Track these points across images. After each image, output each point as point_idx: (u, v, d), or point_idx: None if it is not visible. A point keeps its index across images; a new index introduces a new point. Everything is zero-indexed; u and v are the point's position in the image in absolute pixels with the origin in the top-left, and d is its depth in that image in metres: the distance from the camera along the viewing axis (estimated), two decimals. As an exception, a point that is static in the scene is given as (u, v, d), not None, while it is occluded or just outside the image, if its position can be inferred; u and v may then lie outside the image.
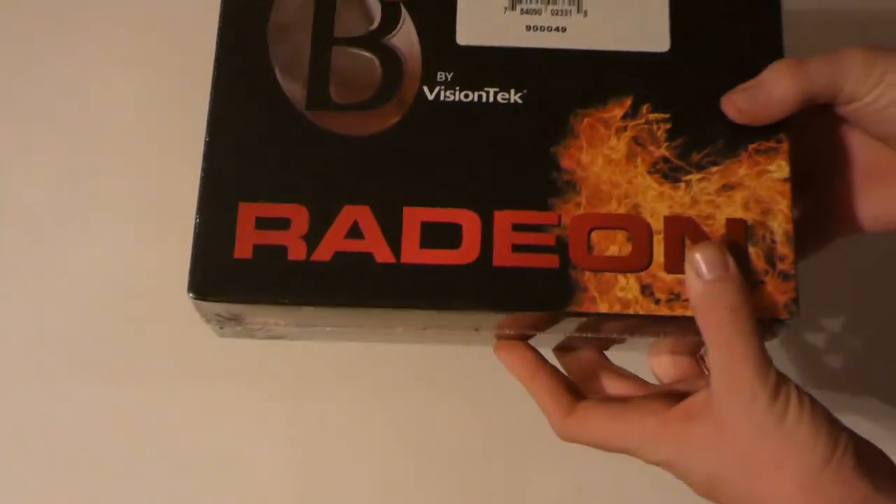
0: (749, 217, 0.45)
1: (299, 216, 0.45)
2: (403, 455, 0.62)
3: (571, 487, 0.61)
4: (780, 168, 0.45)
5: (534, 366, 0.46)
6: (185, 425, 0.62)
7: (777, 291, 0.44)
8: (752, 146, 0.45)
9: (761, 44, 0.47)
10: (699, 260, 0.42)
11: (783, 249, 0.44)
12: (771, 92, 0.45)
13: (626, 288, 0.44)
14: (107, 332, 0.65)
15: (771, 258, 0.44)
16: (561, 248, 0.44)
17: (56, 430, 0.63)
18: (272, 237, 0.44)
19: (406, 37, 0.47)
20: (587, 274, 0.44)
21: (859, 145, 0.48)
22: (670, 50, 0.47)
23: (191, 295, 0.44)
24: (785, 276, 0.44)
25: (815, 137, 0.48)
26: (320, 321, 0.46)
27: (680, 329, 0.45)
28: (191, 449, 0.62)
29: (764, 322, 0.43)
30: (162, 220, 0.66)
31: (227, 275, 0.44)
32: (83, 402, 0.63)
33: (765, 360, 0.41)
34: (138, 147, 0.70)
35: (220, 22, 0.48)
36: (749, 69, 0.46)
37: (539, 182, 0.45)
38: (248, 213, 0.45)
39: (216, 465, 0.62)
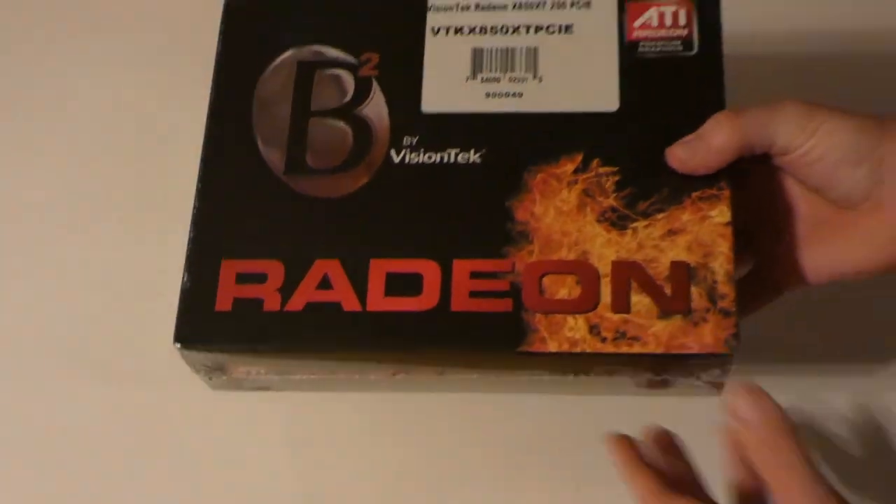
0: (692, 259, 0.47)
1: (275, 271, 0.49)
2: (404, 456, 0.61)
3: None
4: (721, 213, 0.48)
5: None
6: (185, 425, 0.62)
7: (718, 328, 0.46)
8: (695, 194, 0.48)
9: (704, 100, 0.50)
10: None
11: (724, 288, 0.47)
12: (710, 143, 0.48)
13: (575, 328, 0.47)
14: (107, 332, 0.64)
15: (712, 297, 0.47)
16: (514, 292, 0.47)
17: (56, 430, 0.62)
18: (250, 291, 0.49)
19: (376, 107, 0.52)
20: (538, 316, 0.47)
21: (799, 197, 0.50)
22: (619, 109, 0.51)
23: (176, 345, 0.48)
24: (725, 313, 0.46)
25: (758, 190, 0.51)
26: (297, 370, 0.50)
27: (631, 366, 0.47)
28: (191, 449, 0.62)
29: (705, 356, 0.46)
30: (162, 220, 0.65)
31: (208, 326, 0.48)
32: (83, 402, 0.63)
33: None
34: (138, 147, 0.70)
35: (211, 93, 0.53)
36: (692, 123, 0.49)
37: (495, 233, 0.49)
38: (229, 269, 0.49)
39: (216, 464, 0.61)
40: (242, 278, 0.49)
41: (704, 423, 0.46)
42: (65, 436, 0.62)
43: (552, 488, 0.59)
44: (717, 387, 0.50)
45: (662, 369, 0.48)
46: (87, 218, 0.68)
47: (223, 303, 0.49)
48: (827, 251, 0.49)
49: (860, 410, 0.59)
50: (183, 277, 0.49)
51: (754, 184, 0.51)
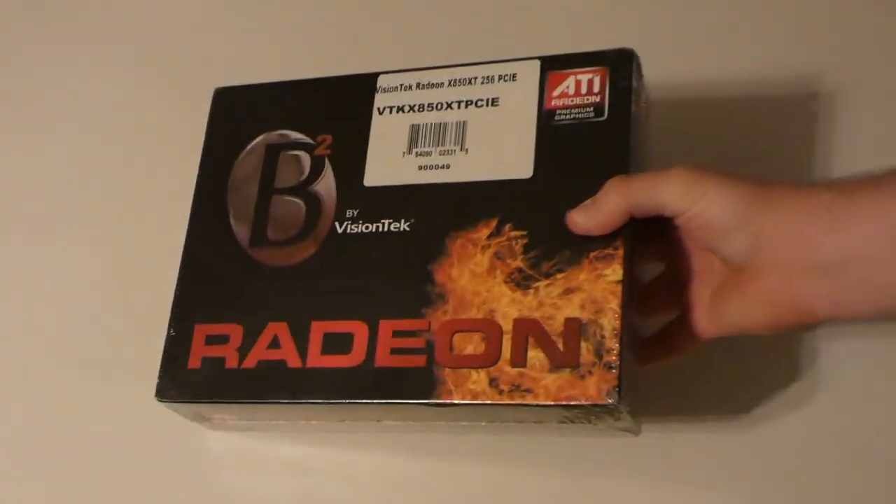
0: (584, 316, 0.52)
1: (236, 333, 0.57)
2: (404, 456, 0.62)
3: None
4: (614, 272, 0.52)
5: None
6: (185, 425, 0.62)
7: (602, 380, 0.50)
8: (593, 254, 0.53)
9: (609, 163, 0.54)
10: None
11: (610, 343, 0.51)
12: (601, 206, 0.52)
13: (477, 381, 0.52)
14: (107, 332, 0.66)
15: (599, 351, 0.51)
16: (429, 349, 0.53)
17: (56, 430, 0.63)
18: (215, 351, 0.57)
19: (327, 183, 0.59)
20: (447, 370, 0.53)
21: (699, 256, 0.53)
22: (532, 176, 0.55)
23: (157, 398, 0.57)
24: (609, 367, 0.50)
25: (674, 248, 0.54)
26: (259, 416, 0.58)
27: (531, 415, 0.52)
28: (191, 449, 0.63)
29: (587, 407, 0.50)
30: (162, 220, 0.66)
31: (181, 382, 0.57)
32: (83, 402, 0.64)
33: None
34: (139, 147, 0.71)
35: (198, 176, 0.61)
36: (597, 187, 0.53)
37: (417, 295, 0.55)
38: (201, 332, 0.58)
39: (216, 464, 0.62)
40: (210, 339, 0.57)
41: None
42: (64, 435, 0.63)
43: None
44: (629, 430, 0.54)
45: (564, 417, 0.52)
46: (86, 218, 0.69)
47: (194, 361, 0.57)
48: (727, 307, 0.52)
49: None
50: (165, 340, 0.58)
51: (672, 239, 0.54)
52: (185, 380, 0.57)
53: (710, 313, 0.53)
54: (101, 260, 0.69)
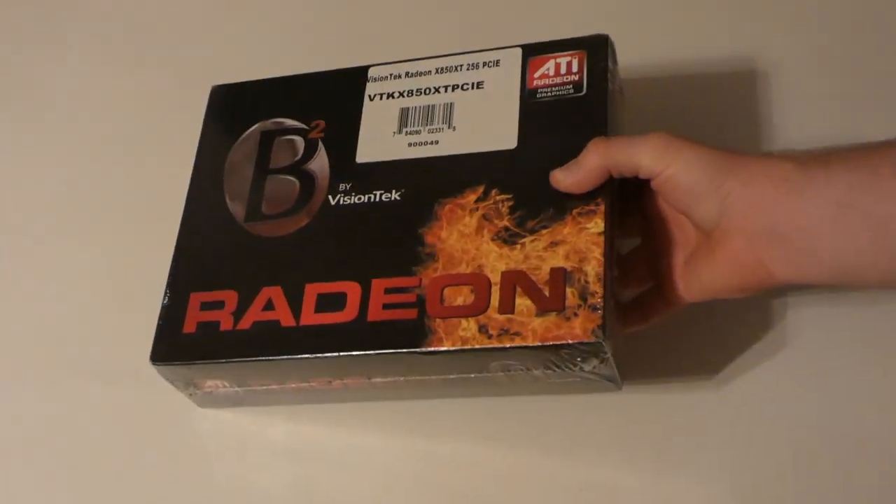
0: (568, 265, 0.54)
1: (230, 298, 0.59)
2: (403, 460, 0.62)
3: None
4: (596, 225, 0.55)
5: None
6: (186, 425, 0.63)
7: (587, 321, 0.53)
8: (575, 210, 0.56)
9: (589, 132, 0.57)
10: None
11: (594, 287, 0.53)
12: (582, 164, 0.55)
13: (467, 328, 0.54)
14: (106, 332, 0.66)
15: (584, 295, 0.53)
16: (420, 303, 0.55)
17: (56, 430, 0.63)
18: (210, 315, 0.59)
19: (320, 161, 0.62)
20: (437, 321, 0.55)
21: (674, 224, 0.57)
22: (517, 146, 0.59)
23: (151, 362, 0.58)
24: (593, 308, 0.53)
25: (653, 214, 0.58)
26: (253, 381, 0.59)
27: (519, 360, 0.54)
28: (191, 449, 0.63)
29: (574, 346, 0.52)
30: (162, 220, 0.67)
31: (176, 345, 0.58)
32: (83, 402, 0.64)
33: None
34: (139, 147, 0.72)
35: (195, 159, 0.64)
36: (578, 153, 0.57)
37: (407, 256, 0.57)
38: (196, 299, 0.59)
39: (217, 464, 0.62)
40: (205, 305, 0.59)
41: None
42: (64, 435, 0.63)
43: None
44: (613, 380, 0.56)
45: (550, 362, 0.54)
46: (86, 218, 0.70)
47: (189, 326, 0.59)
48: (699, 272, 0.55)
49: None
50: (160, 308, 0.60)
51: (649, 208, 0.57)
52: (180, 342, 0.58)
53: (684, 279, 0.56)
54: (101, 260, 0.69)
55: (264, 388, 0.60)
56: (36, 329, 0.68)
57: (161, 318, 0.60)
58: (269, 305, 0.58)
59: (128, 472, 0.63)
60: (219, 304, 0.59)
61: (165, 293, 0.60)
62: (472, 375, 0.56)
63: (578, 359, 0.54)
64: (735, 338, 0.60)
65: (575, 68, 0.60)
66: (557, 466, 0.59)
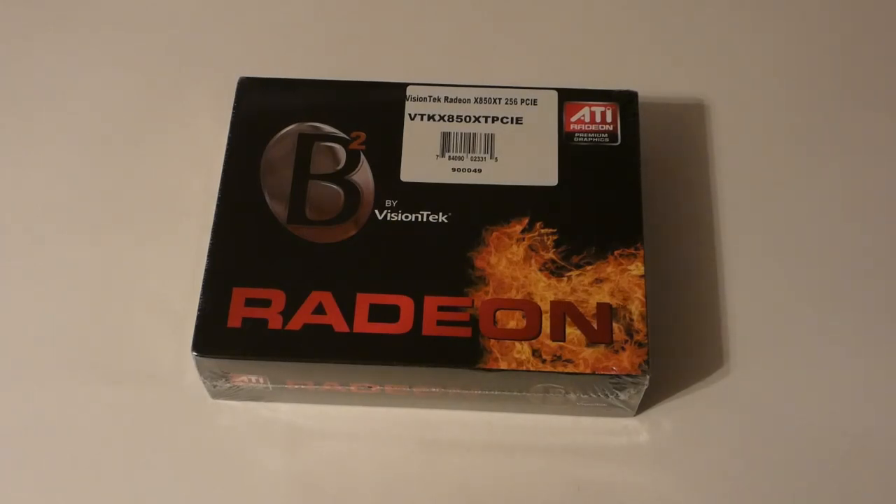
0: (614, 302, 0.60)
1: (278, 298, 0.60)
2: (405, 454, 0.63)
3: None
4: (637, 268, 0.61)
5: None
6: (185, 425, 0.63)
7: (634, 355, 0.58)
8: (616, 252, 0.61)
9: (622, 180, 0.63)
10: None
11: (638, 325, 0.59)
12: None
13: (521, 351, 0.58)
14: (107, 332, 0.66)
15: (629, 331, 0.59)
16: (473, 323, 0.59)
17: (56, 430, 0.63)
18: (257, 312, 0.59)
19: (363, 175, 0.64)
20: (492, 341, 0.59)
21: None
22: (558, 184, 0.63)
23: (193, 353, 0.58)
24: (640, 344, 0.59)
25: None
26: (291, 379, 0.60)
27: (564, 382, 0.59)
28: (191, 448, 0.63)
29: (622, 377, 0.58)
30: (162, 220, 0.67)
31: (221, 339, 0.59)
32: (83, 402, 0.64)
33: None
34: (138, 147, 0.72)
35: (225, 154, 0.64)
36: (613, 197, 0.62)
37: (458, 277, 0.60)
38: (240, 294, 0.60)
39: (217, 464, 0.63)
40: (250, 302, 0.60)
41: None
42: (64, 435, 0.63)
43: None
44: (633, 408, 0.62)
45: (591, 389, 0.60)
46: (86, 218, 0.70)
47: (234, 321, 0.59)
48: None
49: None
50: (200, 300, 0.60)
51: None
52: (226, 337, 0.59)
53: None
54: (101, 260, 0.69)
55: (298, 387, 0.61)
56: (36, 329, 0.67)
57: (201, 309, 0.60)
58: (319, 309, 0.59)
59: (128, 472, 0.62)
60: (265, 303, 0.60)
61: (205, 284, 0.60)
62: (515, 393, 0.61)
63: (617, 389, 0.59)
64: (735, 337, 0.66)
65: (609, 118, 0.66)
66: (556, 466, 0.63)
